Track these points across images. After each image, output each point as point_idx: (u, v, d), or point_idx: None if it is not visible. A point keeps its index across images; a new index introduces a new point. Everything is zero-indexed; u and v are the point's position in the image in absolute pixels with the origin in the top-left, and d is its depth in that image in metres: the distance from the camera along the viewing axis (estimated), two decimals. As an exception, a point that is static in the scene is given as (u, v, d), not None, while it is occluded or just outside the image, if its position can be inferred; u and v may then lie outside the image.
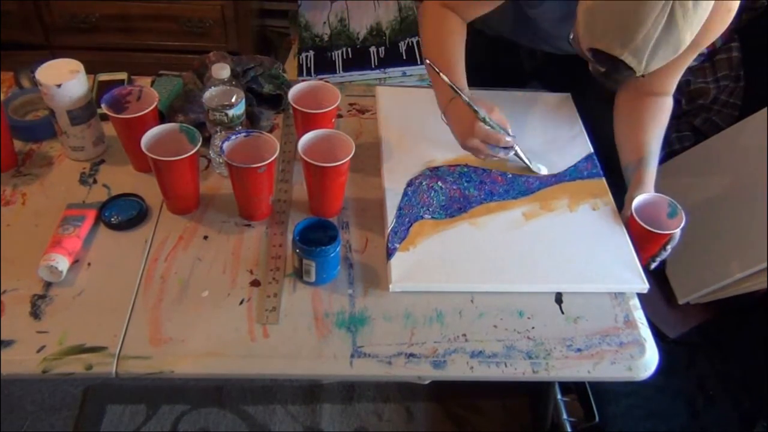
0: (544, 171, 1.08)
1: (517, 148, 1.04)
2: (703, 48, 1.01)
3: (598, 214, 1.02)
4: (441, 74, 0.99)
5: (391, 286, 0.88)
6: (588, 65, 0.90)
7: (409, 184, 1.02)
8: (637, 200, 0.98)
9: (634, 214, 0.96)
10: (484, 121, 0.97)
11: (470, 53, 1.07)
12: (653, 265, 1.00)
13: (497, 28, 1.23)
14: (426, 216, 0.98)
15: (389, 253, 0.92)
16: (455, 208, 1.00)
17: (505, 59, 1.28)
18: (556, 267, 0.93)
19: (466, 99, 0.98)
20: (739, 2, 0.91)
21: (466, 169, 1.06)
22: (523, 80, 1.32)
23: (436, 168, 1.06)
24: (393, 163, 1.06)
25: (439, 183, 1.03)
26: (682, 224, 0.95)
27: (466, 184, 1.04)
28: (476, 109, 0.97)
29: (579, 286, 0.92)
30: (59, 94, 0.94)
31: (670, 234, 0.96)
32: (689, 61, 1.03)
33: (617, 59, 0.80)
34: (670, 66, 1.03)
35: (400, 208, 0.98)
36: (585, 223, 1.00)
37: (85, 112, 0.99)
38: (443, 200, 1.01)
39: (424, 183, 1.03)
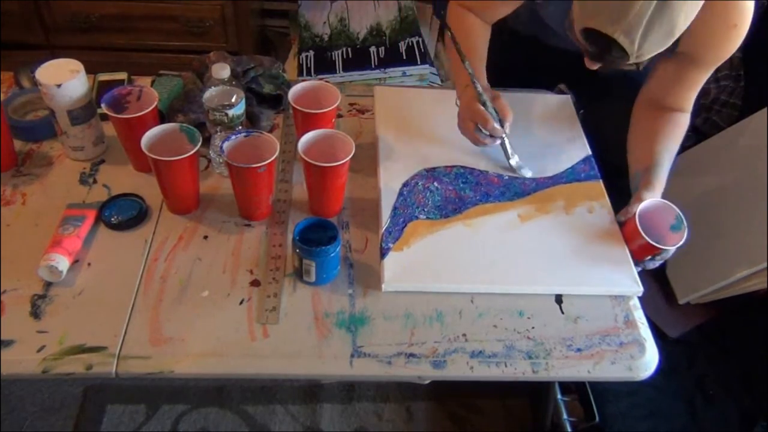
0: (528, 174, 1.07)
1: (506, 140, 1.05)
2: (713, 67, 1.01)
3: (593, 217, 1.01)
4: (464, 59, 1.02)
5: (383, 285, 0.88)
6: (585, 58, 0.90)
7: (405, 184, 1.02)
8: (646, 203, 0.95)
9: (637, 217, 0.94)
10: (484, 104, 1.00)
11: (502, 53, 1.09)
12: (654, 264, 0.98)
13: (526, 29, 1.25)
14: (421, 216, 0.98)
15: (383, 253, 0.92)
16: (450, 208, 1.00)
17: (541, 60, 1.28)
18: (549, 269, 0.93)
19: (475, 81, 1.01)
20: (748, 21, 0.91)
21: (462, 170, 1.06)
22: (552, 81, 1.32)
23: (433, 169, 1.06)
24: (389, 162, 1.06)
25: (435, 183, 1.03)
26: (681, 242, 0.92)
27: (462, 185, 1.04)
28: (480, 92, 1.00)
29: (573, 289, 0.92)
30: (59, 94, 0.94)
31: (660, 248, 0.92)
32: (704, 78, 1.03)
33: (609, 39, 0.79)
34: (685, 81, 1.03)
35: (395, 208, 0.98)
36: (580, 225, 1.00)
37: (85, 112, 0.99)
38: (438, 200, 1.01)
39: (420, 183, 1.03)
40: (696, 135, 1.82)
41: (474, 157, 1.09)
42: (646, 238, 0.92)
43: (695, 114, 1.83)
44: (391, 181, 1.02)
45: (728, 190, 1.55)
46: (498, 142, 1.04)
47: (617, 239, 0.98)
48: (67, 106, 0.96)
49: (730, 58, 1.85)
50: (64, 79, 0.94)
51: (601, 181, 1.08)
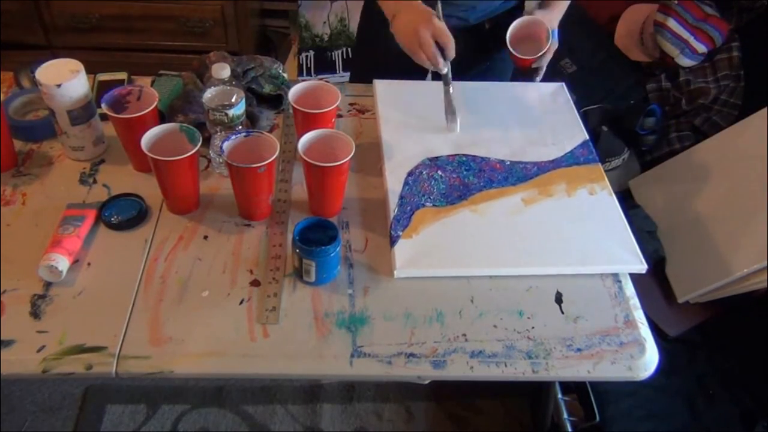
0: (456, 129, 1.13)
1: (451, 88, 1.11)
2: None
3: (595, 199, 1.03)
4: None
5: (395, 272, 0.89)
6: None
7: (410, 173, 1.04)
8: (521, 21, 1.14)
9: (508, 35, 1.13)
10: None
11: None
12: (538, 77, 1.20)
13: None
14: (427, 204, 0.99)
15: (392, 241, 0.93)
16: (455, 195, 1.01)
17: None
18: (556, 250, 0.94)
19: None
20: None
21: (465, 158, 1.08)
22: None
23: (436, 158, 1.07)
24: (392, 153, 1.07)
25: (439, 172, 1.04)
26: (543, 52, 1.14)
27: (465, 172, 1.05)
28: (440, 11, 1.05)
29: (579, 268, 0.93)
30: (59, 94, 0.94)
31: (519, 57, 1.14)
32: None
33: None
34: None
35: (401, 197, 0.99)
36: (583, 207, 1.02)
37: (85, 112, 0.99)
38: (443, 188, 1.02)
39: (424, 172, 1.04)
40: (696, 135, 1.82)
41: (475, 146, 1.10)
42: (511, 50, 1.14)
43: (696, 113, 1.83)
44: (395, 171, 1.04)
45: (728, 189, 1.56)
46: (449, 88, 1.10)
47: (619, 220, 1.00)
48: (67, 106, 0.96)
49: (730, 58, 1.86)
50: (64, 79, 0.94)
51: (599, 164, 1.10)
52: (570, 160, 1.10)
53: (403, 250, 0.92)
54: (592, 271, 0.94)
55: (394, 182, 1.02)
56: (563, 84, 1.27)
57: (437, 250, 0.92)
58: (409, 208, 0.98)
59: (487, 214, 0.99)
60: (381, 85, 1.22)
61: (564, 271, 0.93)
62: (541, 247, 0.94)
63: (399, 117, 1.15)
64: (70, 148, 1.02)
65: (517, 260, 0.93)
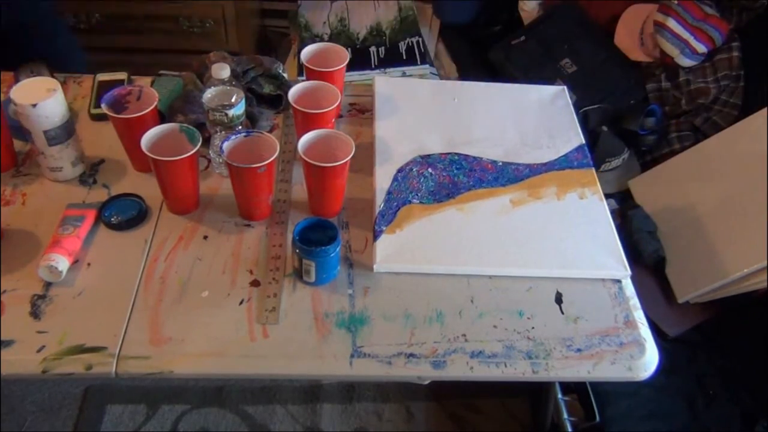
0: None
1: None
2: None
3: (585, 203, 1.03)
4: None
5: (375, 266, 0.90)
6: None
7: (400, 170, 1.04)
8: None
9: None
10: None
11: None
12: None
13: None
14: (414, 201, 0.99)
15: (375, 235, 0.93)
16: (444, 193, 1.01)
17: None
18: (539, 253, 0.94)
19: None
20: None
21: (456, 157, 1.08)
22: None
23: (428, 155, 1.07)
24: (385, 148, 1.08)
25: (430, 169, 1.05)
26: None
27: (456, 171, 1.05)
28: None
29: (561, 272, 0.93)
30: (34, 114, 0.91)
31: None
32: None
33: None
34: None
35: (389, 192, 1.00)
36: (571, 211, 1.01)
37: (62, 132, 0.95)
38: (432, 186, 1.02)
39: (414, 169, 1.05)
40: (696, 135, 1.82)
41: (470, 145, 1.10)
42: None
43: (695, 113, 1.83)
44: (386, 166, 1.04)
45: (728, 190, 1.56)
46: None
47: (607, 225, 1.00)
48: (43, 126, 0.92)
49: (730, 58, 1.86)
50: (40, 99, 0.90)
51: (593, 169, 1.10)
52: (563, 163, 1.10)
53: (384, 245, 0.92)
54: (573, 275, 0.93)
55: (383, 178, 1.02)
56: (565, 87, 1.27)
57: (419, 246, 0.93)
58: (395, 204, 0.98)
59: (474, 213, 0.99)
60: (380, 81, 1.22)
61: (544, 274, 0.93)
62: (524, 249, 0.94)
63: (395, 114, 1.15)
64: (48, 169, 0.99)
65: (500, 260, 0.93)
